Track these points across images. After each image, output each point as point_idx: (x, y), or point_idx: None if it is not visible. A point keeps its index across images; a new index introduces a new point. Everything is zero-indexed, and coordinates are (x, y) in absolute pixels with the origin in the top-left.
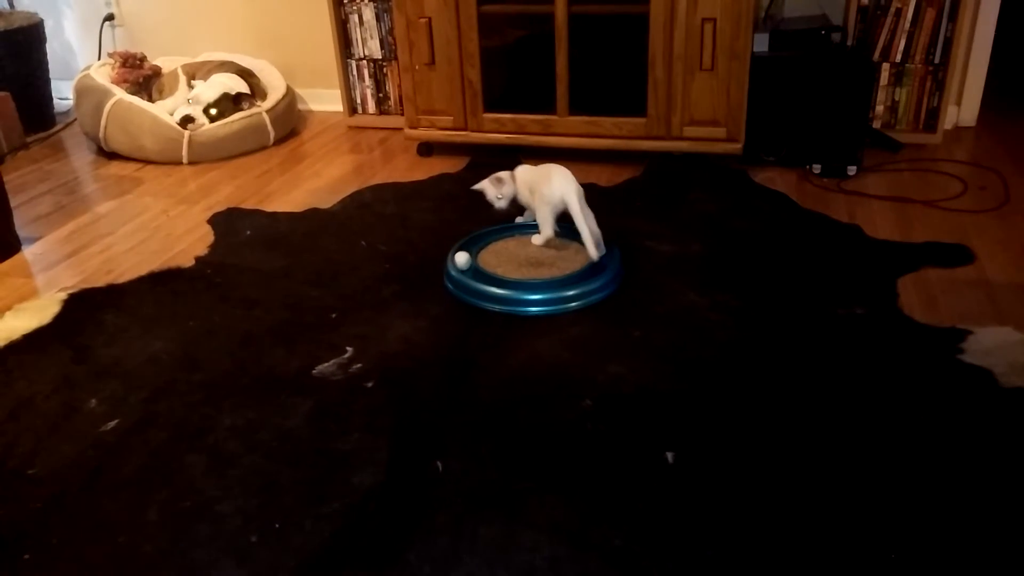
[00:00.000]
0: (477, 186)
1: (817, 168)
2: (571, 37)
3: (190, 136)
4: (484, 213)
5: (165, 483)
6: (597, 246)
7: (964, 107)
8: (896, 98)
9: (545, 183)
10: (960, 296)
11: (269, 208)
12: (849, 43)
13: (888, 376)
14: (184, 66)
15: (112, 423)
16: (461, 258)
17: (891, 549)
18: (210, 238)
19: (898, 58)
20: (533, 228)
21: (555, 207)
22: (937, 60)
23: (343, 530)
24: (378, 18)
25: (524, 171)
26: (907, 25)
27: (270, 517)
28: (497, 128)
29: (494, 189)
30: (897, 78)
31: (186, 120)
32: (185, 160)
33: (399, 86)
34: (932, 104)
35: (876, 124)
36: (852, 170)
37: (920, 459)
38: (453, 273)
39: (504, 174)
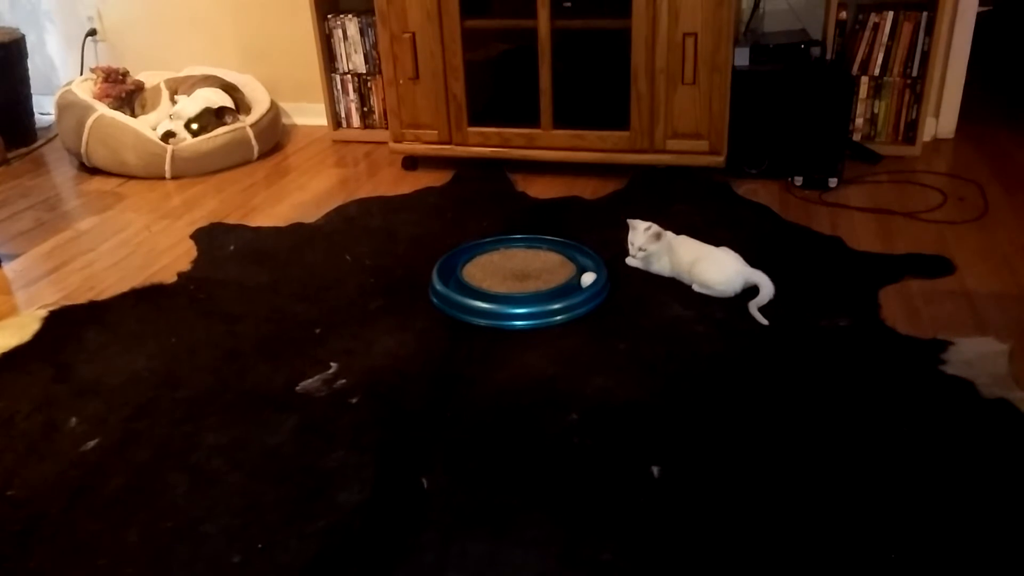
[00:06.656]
0: (633, 221)
1: (798, 180)
2: (555, 51)
3: (173, 151)
4: (469, 227)
5: (147, 503)
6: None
7: (942, 119)
8: (875, 111)
9: (717, 271)
10: (941, 307)
11: (253, 223)
12: (828, 57)
13: (871, 387)
14: (167, 81)
15: (93, 442)
16: (588, 277)
17: (876, 561)
18: (193, 253)
19: (876, 71)
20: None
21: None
22: (915, 73)
23: (328, 549)
24: (362, 32)
25: (689, 245)
26: (885, 39)
27: (254, 536)
28: (482, 142)
29: (644, 238)
30: (876, 91)
31: (168, 135)
32: (168, 175)
33: (383, 100)
34: (911, 116)
35: (856, 137)
36: (833, 182)
37: (904, 471)
38: (439, 287)
39: (663, 233)
